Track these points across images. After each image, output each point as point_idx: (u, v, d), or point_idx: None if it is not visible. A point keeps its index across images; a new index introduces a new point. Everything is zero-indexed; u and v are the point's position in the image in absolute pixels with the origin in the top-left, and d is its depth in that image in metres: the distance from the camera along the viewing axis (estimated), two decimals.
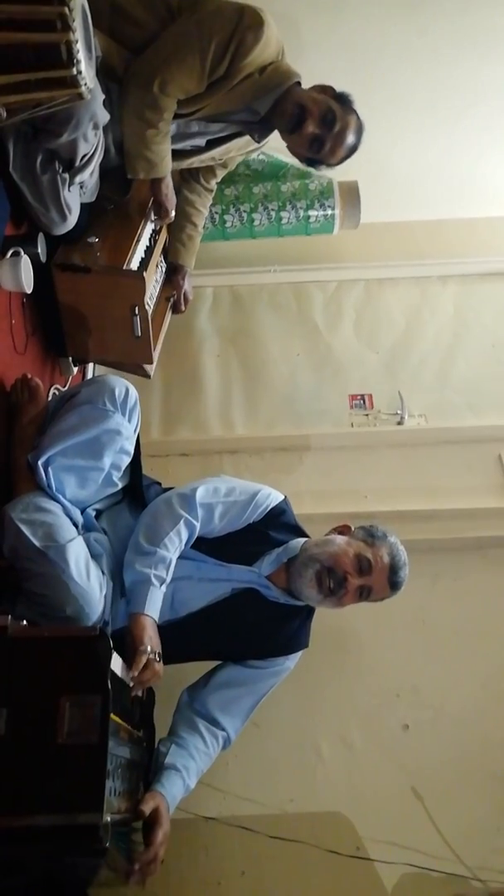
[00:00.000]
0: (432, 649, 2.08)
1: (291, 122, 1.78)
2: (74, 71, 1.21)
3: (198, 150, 1.95)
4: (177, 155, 1.92)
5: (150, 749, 1.55)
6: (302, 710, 1.94)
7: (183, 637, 1.58)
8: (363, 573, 1.58)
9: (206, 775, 1.63)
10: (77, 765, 1.04)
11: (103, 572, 1.53)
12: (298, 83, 1.81)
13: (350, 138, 1.82)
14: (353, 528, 1.70)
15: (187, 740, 1.58)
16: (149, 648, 1.40)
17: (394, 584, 1.62)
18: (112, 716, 1.10)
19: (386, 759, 1.92)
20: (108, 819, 1.04)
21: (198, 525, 1.59)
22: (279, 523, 1.70)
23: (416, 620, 2.10)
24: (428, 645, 2.08)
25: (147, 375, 2.12)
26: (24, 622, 1.17)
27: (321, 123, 1.79)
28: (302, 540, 1.68)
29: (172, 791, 1.49)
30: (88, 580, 1.45)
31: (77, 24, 1.18)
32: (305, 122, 1.77)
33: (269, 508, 1.69)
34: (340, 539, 1.65)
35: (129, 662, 1.35)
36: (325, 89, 1.82)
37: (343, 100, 1.82)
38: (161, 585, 1.50)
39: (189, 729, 1.60)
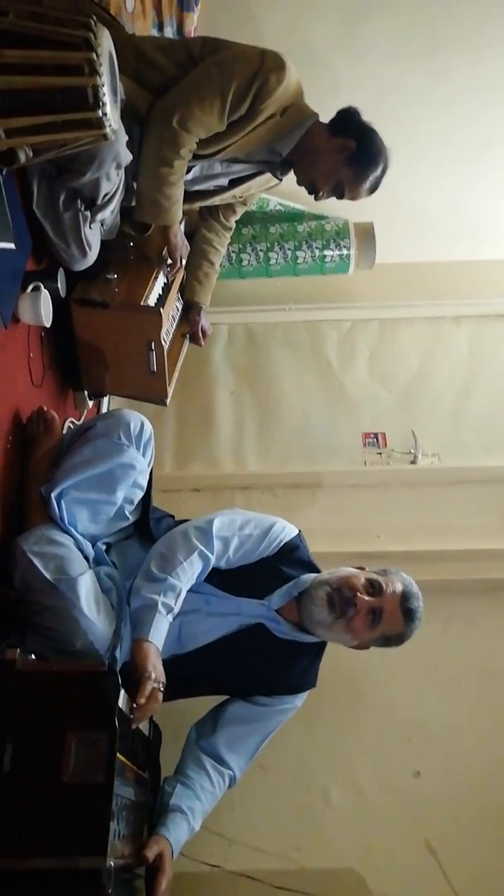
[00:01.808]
0: (445, 693, 2.03)
1: (335, 194, 1.91)
2: (100, 113, 1.25)
3: (220, 190, 1.99)
4: (199, 195, 1.97)
5: (155, 790, 1.51)
6: (311, 754, 1.90)
7: (189, 672, 1.55)
8: (374, 594, 1.56)
9: (211, 821, 1.59)
10: (82, 805, 1.02)
11: (112, 606, 1.51)
12: (317, 121, 1.85)
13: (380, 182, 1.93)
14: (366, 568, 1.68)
15: (194, 780, 1.54)
16: (153, 676, 1.34)
17: (407, 613, 1.57)
18: (118, 755, 1.07)
19: (397, 807, 1.87)
20: (112, 864, 1.01)
21: (213, 558, 1.57)
22: (292, 558, 1.67)
23: (428, 663, 2.06)
24: (440, 688, 2.04)
25: (163, 403, 2.11)
26: (33, 656, 1.15)
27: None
28: (314, 574, 1.66)
29: (177, 835, 1.45)
30: (98, 614, 1.43)
31: (104, 69, 1.22)
32: (343, 194, 1.90)
33: (283, 543, 1.67)
34: (353, 568, 1.63)
35: (131, 691, 1.28)
36: (348, 136, 1.84)
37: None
38: (168, 614, 1.45)
39: (196, 767, 1.57)
